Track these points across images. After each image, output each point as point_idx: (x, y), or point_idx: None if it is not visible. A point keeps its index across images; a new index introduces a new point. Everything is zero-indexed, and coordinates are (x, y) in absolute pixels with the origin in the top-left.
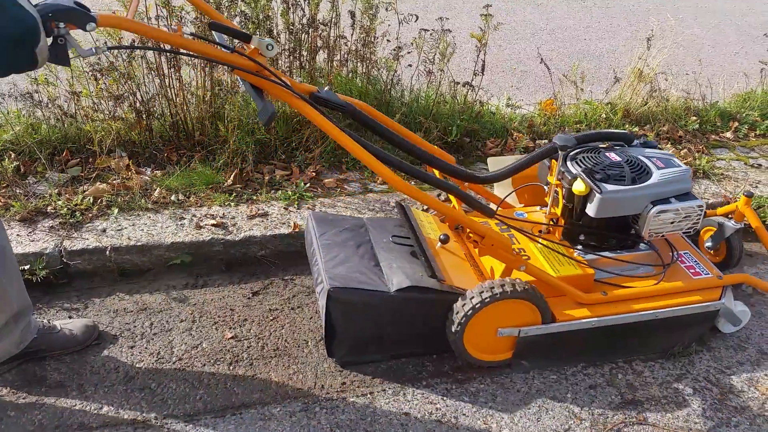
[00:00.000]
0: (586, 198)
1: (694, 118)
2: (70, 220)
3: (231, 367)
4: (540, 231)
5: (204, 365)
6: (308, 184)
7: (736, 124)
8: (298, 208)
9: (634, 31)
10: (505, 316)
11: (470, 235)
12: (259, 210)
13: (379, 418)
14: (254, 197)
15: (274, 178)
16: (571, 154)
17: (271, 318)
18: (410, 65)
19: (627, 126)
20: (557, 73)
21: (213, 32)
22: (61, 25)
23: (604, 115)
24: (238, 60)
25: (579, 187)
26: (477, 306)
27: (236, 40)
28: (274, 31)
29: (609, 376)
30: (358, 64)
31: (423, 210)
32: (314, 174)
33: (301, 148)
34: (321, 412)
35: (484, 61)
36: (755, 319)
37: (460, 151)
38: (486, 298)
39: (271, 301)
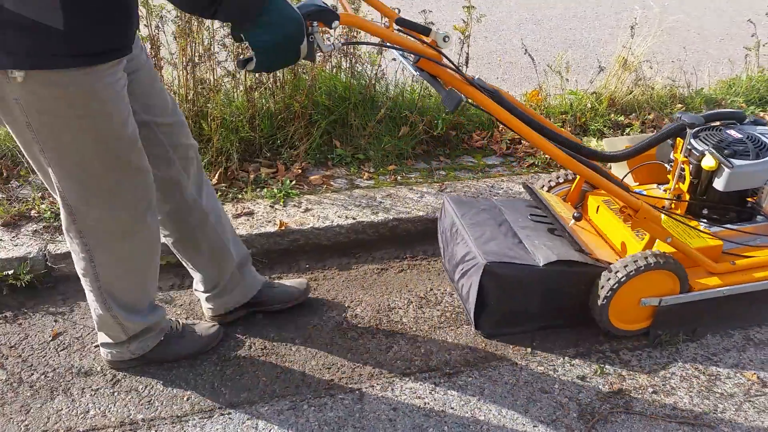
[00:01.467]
0: (713, 173)
1: (680, 105)
2: (54, 224)
3: (218, 367)
4: (663, 207)
5: (191, 365)
6: (294, 182)
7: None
8: (284, 206)
9: (619, 20)
10: (647, 286)
11: (623, 209)
12: (244, 209)
13: (367, 414)
14: (239, 196)
15: (260, 176)
16: (693, 132)
17: (259, 317)
18: (394, 59)
19: (612, 115)
20: (542, 64)
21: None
22: (314, 23)
23: (589, 105)
24: (427, 51)
25: (709, 162)
26: (623, 278)
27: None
28: None
29: (597, 366)
30: (342, 59)
31: (546, 191)
32: (300, 171)
33: (286, 145)
34: (309, 409)
35: (468, 54)
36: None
37: (447, 144)
38: (632, 270)
39: None
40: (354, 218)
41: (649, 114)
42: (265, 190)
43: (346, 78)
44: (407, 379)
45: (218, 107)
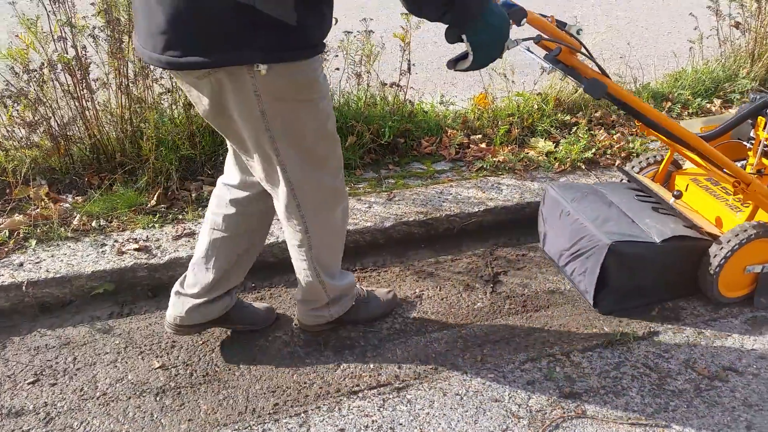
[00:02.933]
0: None
1: None
2: None
3: (157, 398)
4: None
5: (129, 398)
6: None
7: (669, 103)
8: None
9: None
10: (752, 255)
11: (735, 183)
12: (185, 229)
13: None
14: (180, 216)
15: (202, 194)
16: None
17: (201, 342)
18: (338, 69)
19: (559, 115)
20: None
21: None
22: (510, 21)
23: (536, 106)
24: (574, 42)
25: None
26: (735, 247)
27: None
28: None
29: (547, 370)
30: None
31: (636, 173)
32: None
33: None
34: None
35: (409, 61)
36: (691, 300)
37: (395, 151)
38: (741, 240)
39: None
40: None
41: (596, 112)
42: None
43: None
44: (355, 397)
45: (151, 126)
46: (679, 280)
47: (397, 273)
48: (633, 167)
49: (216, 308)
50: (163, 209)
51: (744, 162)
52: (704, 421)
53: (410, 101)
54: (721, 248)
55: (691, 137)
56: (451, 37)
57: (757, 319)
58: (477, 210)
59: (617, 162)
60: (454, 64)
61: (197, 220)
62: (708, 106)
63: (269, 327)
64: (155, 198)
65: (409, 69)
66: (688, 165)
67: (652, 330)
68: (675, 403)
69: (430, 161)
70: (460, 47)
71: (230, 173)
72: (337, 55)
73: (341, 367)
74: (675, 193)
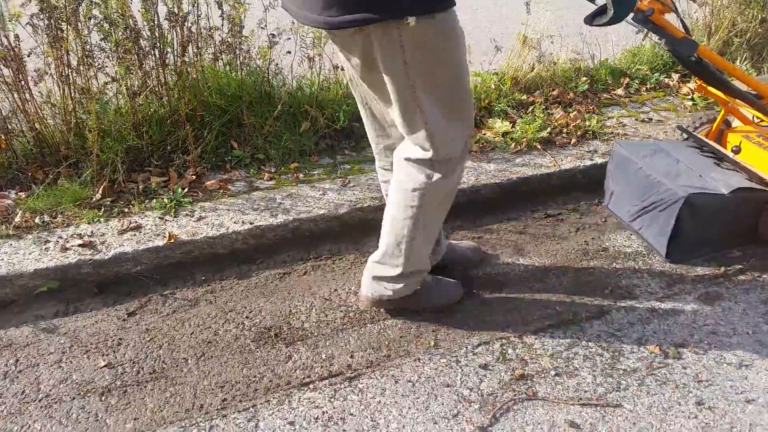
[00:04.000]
0: None
1: (585, 78)
2: None
3: (103, 398)
4: None
5: (74, 399)
6: (187, 189)
7: (627, 80)
8: (175, 217)
9: None
10: None
11: None
12: (131, 223)
13: None
14: (126, 210)
15: (150, 186)
16: None
17: (148, 339)
18: (289, 52)
19: (516, 94)
20: None
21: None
22: None
23: (493, 86)
24: (668, 1)
25: None
26: None
27: None
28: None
29: (499, 353)
30: (232, 56)
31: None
32: (194, 177)
33: (178, 150)
34: None
35: None
36: (645, 278)
37: (351, 136)
38: None
39: (148, 320)
40: (251, 223)
41: (553, 90)
42: (155, 201)
43: (238, 75)
44: (306, 389)
45: (94, 117)
46: (740, 229)
47: (352, 261)
48: (688, 126)
49: (432, 258)
50: (108, 203)
51: None
52: (655, 399)
53: None
54: None
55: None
56: None
57: (709, 294)
58: None
59: (573, 141)
60: (591, 19)
61: (144, 213)
62: (666, 80)
63: (220, 321)
64: (100, 191)
65: None
66: (736, 123)
67: (605, 309)
68: (627, 382)
69: None
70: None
71: (375, 144)
72: (289, 38)
73: (293, 359)
74: (734, 148)
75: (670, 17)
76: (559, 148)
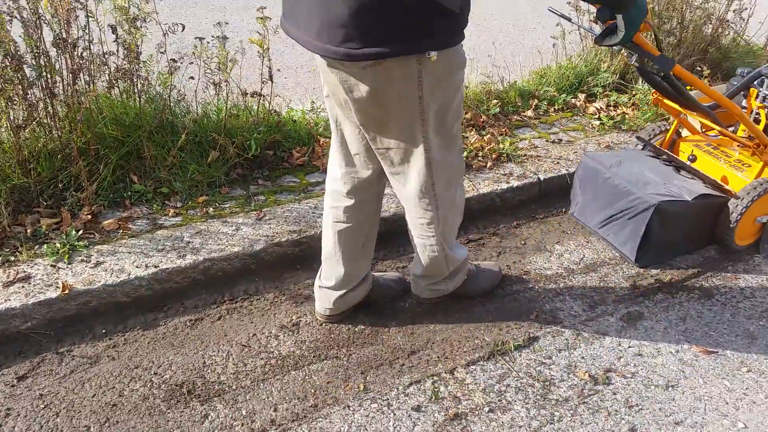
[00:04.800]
0: None
1: (495, 101)
2: None
3: None
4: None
5: None
6: (82, 231)
7: (536, 101)
8: (69, 264)
9: None
10: (763, 207)
11: (755, 145)
12: (18, 273)
13: None
14: (12, 258)
15: (40, 229)
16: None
17: (43, 406)
18: (192, 77)
19: None
20: None
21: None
22: None
23: None
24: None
25: None
26: (749, 202)
27: None
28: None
29: (431, 392)
30: (129, 83)
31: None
32: (90, 216)
33: (71, 187)
34: None
35: (270, 68)
36: (567, 301)
37: (265, 165)
38: (756, 195)
39: (42, 383)
40: (156, 266)
41: (466, 114)
42: (46, 246)
43: (136, 104)
44: None
45: None
46: (700, 233)
47: (271, 300)
48: (649, 138)
49: (358, 294)
50: None
51: (733, 128)
52: (589, 429)
53: (276, 111)
54: (741, 201)
55: (734, 105)
56: (604, 16)
57: (631, 314)
58: None
59: (488, 164)
60: (602, 39)
61: (33, 261)
62: (573, 101)
63: (125, 380)
64: None
65: (270, 77)
66: (685, 133)
67: (531, 335)
68: (560, 413)
69: (303, 173)
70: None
71: (339, 167)
72: (192, 62)
73: (209, 418)
74: (690, 157)
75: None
76: (476, 172)
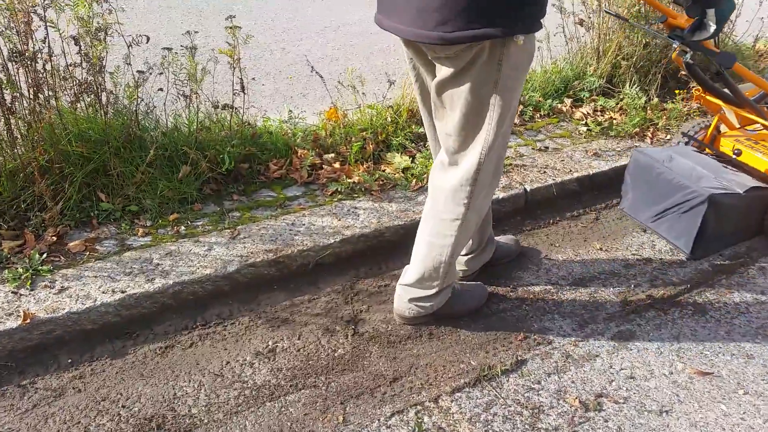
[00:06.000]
0: None
1: None
2: None
3: None
4: None
5: None
6: (46, 254)
7: (521, 107)
8: (32, 289)
9: None
10: None
11: None
12: None
13: None
14: None
15: (1, 252)
16: None
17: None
18: (161, 89)
19: (413, 126)
20: (339, 77)
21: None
22: None
23: (389, 118)
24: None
25: None
26: None
27: None
28: None
29: (415, 423)
30: (94, 97)
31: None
32: (55, 238)
33: (35, 208)
34: None
35: (242, 79)
36: (557, 320)
37: (240, 179)
38: None
39: (2, 420)
40: (123, 291)
41: None
42: (7, 271)
43: (102, 118)
44: None
45: None
46: (749, 225)
47: (246, 324)
48: (693, 134)
49: (485, 256)
50: None
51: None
52: None
53: (249, 123)
54: None
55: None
56: (695, 11)
57: (622, 333)
58: (333, 241)
59: None
60: (692, 34)
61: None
62: (559, 106)
63: (91, 413)
64: None
65: (243, 88)
66: (723, 129)
67: (519, 358)
68: None
69: (281, 187)
70: None
71: (435, 143)
72: (161, 72)
73: None
74: (735, 151)
75: None
76: None
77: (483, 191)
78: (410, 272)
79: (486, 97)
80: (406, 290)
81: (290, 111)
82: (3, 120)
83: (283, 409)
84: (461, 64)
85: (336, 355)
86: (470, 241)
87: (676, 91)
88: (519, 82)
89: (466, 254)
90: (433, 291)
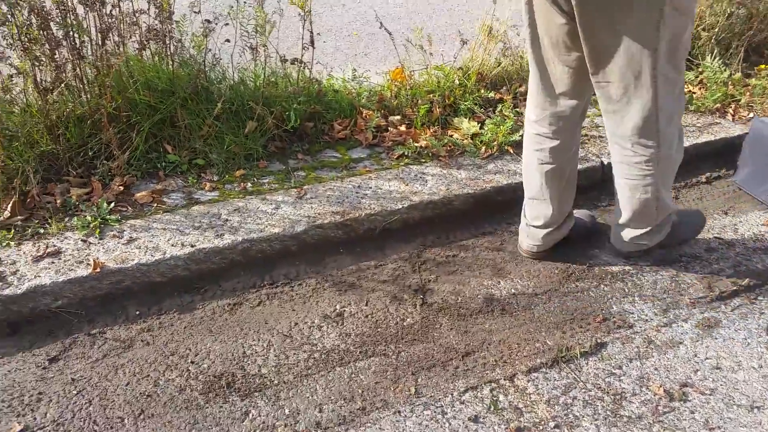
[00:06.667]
0: None
1: None
2: None
3: None
4: None
5: None
6: (114, 203)
7: None
8: (100, 239)
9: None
10: None
11: None
12: (48, 247)
13: None
14: (42, 230)
15: (69, 200)
16: None
17: (75, 392)
18: (228, 41)
19: (482, 91)
20: (404, 36)
21: None
22: None
23: (457, 81)
24: None
25: None
26: None
27: None
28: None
29: (490, 400)
30: (162, 44)
31: None
32: (122, 187)
33: (102, 156)
34: None
35: (311, 32)
36: (637, 302)
37: (305, 138)
38: None
39: (74, 367)
40: (193, 245)
41: (520, 86)
42: (76, 219)
43: (169, 67)
44: None
45: None
46: None
47: (313, 286)
48: None
49: (563, 231)
50: (19, 222)
51: None
52: None
53: (317, 80)
54: None
55: None
56: None
57: (707, 320)
58: (400, 206)
59: None
60: None
61: (63, 235)
62: None
63: (161, 368)
64: (9, 208)
65: (312, 42)
66: None
67: (599, 341)
68: None
69: (345, 148)
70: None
71: (542, 109)
72: (227, 23)
73: (250, 415)
74: None
75: None
76: None
77: (670, 128)
78: (622, 213)
79: (647, 41)
80: (623, 227)
81: (354, 70)
82: (72, 64)
83: (353, 375)
84: (620, 6)
85: (405, 324)
86: (549, 214)
87: (761, 66)
88: (684, 22)
89: (542, 227)
90: (649, 228)
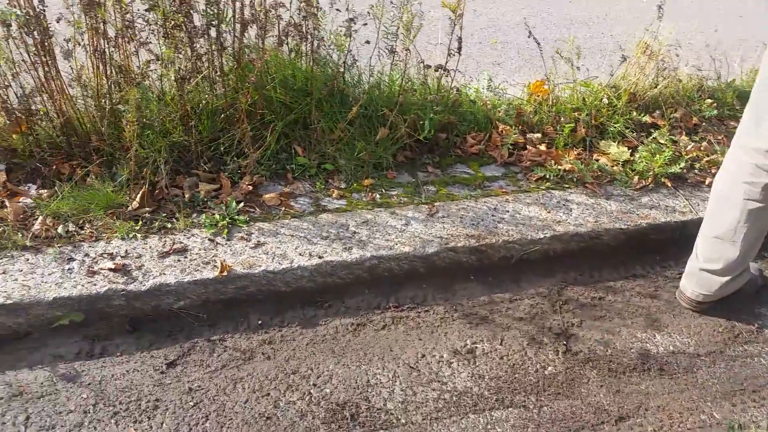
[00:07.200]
0: None
1: (710, 100)
2: None
3: None
4: None
5: None
6: (242, 203)
7: None
8: (228, 239)
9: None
10: None
11: None
12: (175, 243)
13: None
14: (169, 224)
15: (198, 195)
16: None
17: (192, 403)
18: (368, 42)
19: (634, 113)
20: (546, 47)
21: None
22: None
23: (606, 100)
24: None
25: None
26: None
27: None
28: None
29: None
30: (302, 41)
31: None
32: (251, 187)
33: (232, 151)
34: None
35: (460, 38)
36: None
37: (435, 149)
38: None
39: (192, 375)
40: (320, 256)
41: (675, 111)
42: (204, 216)
43: (306, 65)
44: None
45: (133, 106)
46: None
47: (441, 315)
48: None
49: (739, 282)
50: (147, 214)
51: None
52: None
53: (457, 88)
54: None
55: None
56: None
57: None
58: (542, 236)
59: (707, 180)
60: None
61: (190, 231)
62: None
63: (281, 386)
64: (138, 198)
65: (459, 49)
66: None
67: None
68: None
69: (478, 164)
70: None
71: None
72: (366, 23)
73: None
74: None
75: None
76: (692, 188)
77: None
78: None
79: None
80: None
81: (490, 79)
82: (211, 55)
83: (489, 426)
84: None
85: (546, 373)
86: (733, 259)
87: None
88: None
89: (719, 273)
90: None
